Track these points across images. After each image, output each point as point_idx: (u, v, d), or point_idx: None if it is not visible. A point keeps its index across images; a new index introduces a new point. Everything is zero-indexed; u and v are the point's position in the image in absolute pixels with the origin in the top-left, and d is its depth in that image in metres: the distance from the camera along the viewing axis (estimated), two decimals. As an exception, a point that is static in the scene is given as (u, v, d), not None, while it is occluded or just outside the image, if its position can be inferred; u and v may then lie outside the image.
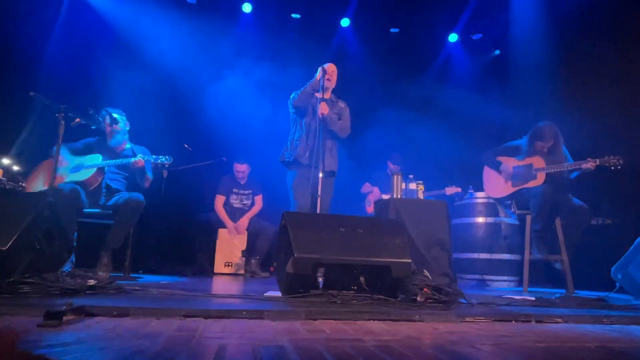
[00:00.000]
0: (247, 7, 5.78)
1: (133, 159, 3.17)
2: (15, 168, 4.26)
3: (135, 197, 3.12)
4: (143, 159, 3.17)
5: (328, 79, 3.47)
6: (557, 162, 3.56)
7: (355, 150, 5.30)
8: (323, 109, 3.33)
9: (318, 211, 3.06)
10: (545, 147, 3.61)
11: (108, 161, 3.21)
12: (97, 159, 3.24)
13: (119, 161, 3.21)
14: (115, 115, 3.37)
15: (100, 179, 3.22)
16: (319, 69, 3.44)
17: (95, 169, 3.17)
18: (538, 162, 3.60)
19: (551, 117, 3.81)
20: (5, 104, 4.35)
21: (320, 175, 3.13)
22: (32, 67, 4.56)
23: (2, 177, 3.82)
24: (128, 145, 3.48)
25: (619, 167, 3.29)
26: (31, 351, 1.02)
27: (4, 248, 1.87)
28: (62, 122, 2.72)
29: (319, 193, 3.07)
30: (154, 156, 3.21)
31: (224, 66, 5.62)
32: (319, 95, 3.44)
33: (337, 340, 1.27)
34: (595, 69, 4.60)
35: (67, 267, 2.75)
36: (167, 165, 3.26)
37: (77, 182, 3.10)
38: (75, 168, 3.19)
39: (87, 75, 4.76)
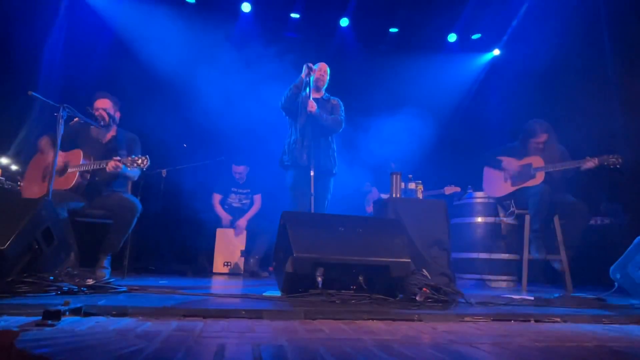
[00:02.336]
0: (246, 7, 5.77)
1: (107, 164, 3.00)
2: (14, 167, 4.26)
3: (130, 202, 3.04)
4: (119, 161, 2.99)
5: (319, 78, 3.47)
6: (554, 158, 3.56)
7: (355, 149, 5.30)
8: (310, 106, 3.31)
9: (312, 210, 3.05)
10: (540, 143, 3.62)
11: (88, 163, 3.08)
12: (77, 156, 3.12)
13: (95, 163, 3.07)
14: (105, 101, 3.23)
15: (87, 177, 3.12)
16: (304, 67, 3.41)
17: (77, 172, 3.06)
18: (537, 161, 3.60)
19: (551, 117, 3.81)
20: (4, 103, 4.34)
21: (312, 173, 3.12)
22: (31, 66, 4.55)
23: (1, 176, 3.81)
24: (116, 133, 3.33)
25: (619, 166, 3.29)
26: (29, 350, 1.02)
27: (3, 247, 1.86)
28: (61, 121, 2.70)
29: (312, 192, 3.06)
30: (130, 158, 3.02)
31: (223, 65, 5.61)
32: (315, 94, 3.44)
33: (336, 340, 1.27)
34: (595, 68, 4.61)
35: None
36: (143, 168, 3.02)
37: (65, 190, 3.01)
38: (62, 171, 3.11)
39: (86, 74, 4.75)
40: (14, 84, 4.31)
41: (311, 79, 3.40)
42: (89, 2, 5.14)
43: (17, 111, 4.31)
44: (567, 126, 3.97)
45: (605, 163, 3.32)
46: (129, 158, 3.01)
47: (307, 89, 3.32)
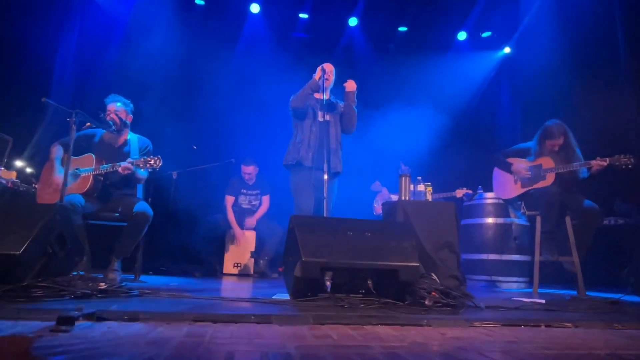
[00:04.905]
0: (255, 8, 5.80)
1: (121, 166, 3.05)
2: (29, 170, 4.35)
3: (143, 209, 3.09)
4: (132, 163, 3.04)
5: (326, 79, 3.48)
6: (568, 161, 3.51)
7: (364, 149, 5.29)
8: (350, 86, 3.42)
9: (325, 213, 3.06)
10: (556, 145, 3.57)
11: (101, 166, 3.13)
12: (89, 161, 3.17)
13: (108, 166, 3.13)
14: (117, 105, 3.26)
15: (101, 180, 3.16)
16: (318, 69, 3.42)
17: (90, 175, 3.11)
18: (547, 162, 3.56)
19: (562, 116, 3.76)
20: (19, 107, 4.43)
21: (325, 177, 3.12)
22: (44, 72, 4.64)
23: (16, 179, 3.89)
24: (128, 137, 3.36)
25: (630, 167, 3.23)
26: (44, 357, 1.04)
27: (18, 252, 1.90)
28: (73, 126, 2.75)
29: (325, 195, 3.06)
30: (142, 159, 3.06)
31: (232, 66, 5.65)
32: (319, 95, 3.44)
33: (344, 347, 1.28)
34: (606, 67, 4.53)
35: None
36: (156, 167, 3.05)
37: (79, 194, 3.05)
38: (74, 175, 3.15)
39: (97, 78, 4.82)
40: (27, 89, 4.40)
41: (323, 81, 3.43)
42: (100, 6, 5.21)
43: (31, 115, 4.40)
44: (579, 125, 3.92)
45: (617, 163, 3.26)
46: (142, 159, 3.05)
47: (323, 92, 3.34)
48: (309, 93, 3.42)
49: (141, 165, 3.04)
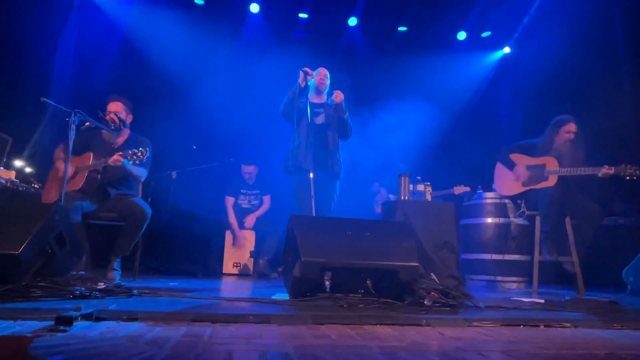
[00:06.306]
0: (254, 8, 5.79)
1: (111, 158, 3.03)
2: (28, 170, 4.34)
3: (141, 208, 3.10)
4: (121, 155, 3.02)
5: (319, 83, 3.48)
6: (576, 160, 3.48)
7: (363, 149, 5.29)
8: (336, 96, 3.32)
9: (313, 212, 3.04)
10: (571, 132, 3.55)
11: (96, 162, 3.12)
12: (88, 158, 3.16)
13: (100, 161, 3.11)
14: (117, 105, 3.26)
15: (99, 178, 3.15)
16: (299, 72, 3.38)
17: (87, 172, 3.10)
18: (552, 163, 3.54)
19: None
20: (18, 108, 4.42)
21: (311, 175, 3.11)
22: (43, 72, 4.63)
23: (16, 178, 3.89)
24: (128, 137, 3.36)
25: (635, 178, 3.23)
26: (43, 357, 1.04)
27: (17, 252, 1.90)
28: (72, 125, 2.75)
29: (312, 194, 3.06)
30: (130, 152, 3.03)
31: (232, 66, 5.64)
32: (315, 99, 3.45)
33: (343, 347, 1.27)
34: (608, 66, 4.53)
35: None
36: (142, 159, 3.04)
37: (76, 190, 3.06)
38: (74, 173, 3.16)
39: (97, 78, 4.81)
40: (26, 89, 4.39)
41: (311, 82, 3.42)
42: (99, 6, 5.20)
43: (31, 115, 4.39)
44: (579, 124, 3.91)
45: (622, 174, 3.26)
46: (130, 151, 3.04)
47: (307, 93, 3.32)
48: (292, 98, 3.40)
49: (129, 157, 3.03)
